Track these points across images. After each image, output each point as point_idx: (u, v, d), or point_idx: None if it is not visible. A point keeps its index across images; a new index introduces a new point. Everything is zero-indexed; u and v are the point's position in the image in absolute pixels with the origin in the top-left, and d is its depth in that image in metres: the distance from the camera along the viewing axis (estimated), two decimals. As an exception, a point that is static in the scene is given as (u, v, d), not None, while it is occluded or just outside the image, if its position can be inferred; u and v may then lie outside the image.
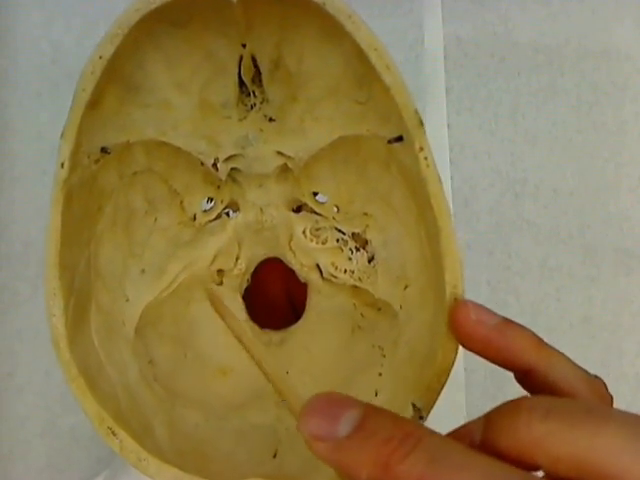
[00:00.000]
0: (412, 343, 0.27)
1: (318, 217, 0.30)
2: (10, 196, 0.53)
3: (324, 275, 0.31)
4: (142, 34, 0.24)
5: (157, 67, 0.26)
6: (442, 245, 0.23)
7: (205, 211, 0.31)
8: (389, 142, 0.26)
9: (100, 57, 0.23)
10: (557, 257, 0.62)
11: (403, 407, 0.24)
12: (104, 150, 0.26)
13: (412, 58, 0.62)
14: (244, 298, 0.32)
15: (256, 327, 0.32)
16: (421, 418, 0.23)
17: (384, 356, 0.29)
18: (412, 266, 0.28)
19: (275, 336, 0.32)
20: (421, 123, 0.24)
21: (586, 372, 0.20)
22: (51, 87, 0.54)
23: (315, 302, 0.31)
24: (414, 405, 0.23)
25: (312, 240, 0.30)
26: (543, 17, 0.64)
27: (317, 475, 0.24)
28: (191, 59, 0.26)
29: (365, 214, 0.30)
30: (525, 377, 0.21)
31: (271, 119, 0.28)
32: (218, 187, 0.30)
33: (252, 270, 0.31)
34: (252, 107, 0.28)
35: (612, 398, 0.21)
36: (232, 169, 0.29)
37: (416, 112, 0.24)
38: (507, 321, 0.21)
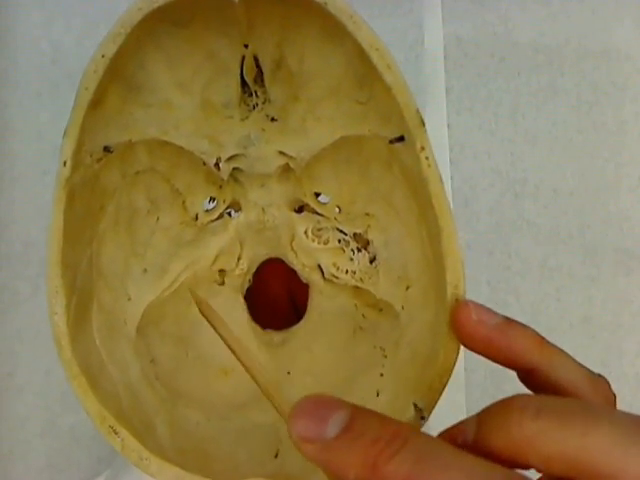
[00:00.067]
0: (414, 343, 0.27)
1: (320, 217, 0.30)
2: (10, 196, 0.53)
3: (325, 275, 0.31)
4: (144, 34, 0.24)
5: (159, 67, 0.26)
6: (443, 245, 0.23)
7: (207, 211, 0.31)
8: (390, 142, 0.26)
9: (103, 56, 0.23)
10: (557, 257, 0.62)
11: (405, 407, 0.24)
12: (107, 149, 0.26)
13: (412, 58, 0.63)
14: (246, 298, 0.32)
15: (258, 327, 0.32)
16: (423, 418, 0.23)
17: (385, 356, 0.29)
18: (413, 266, 0.28)
19: (276, 336, 0.32)
20: (422, 123, 0.24)
21: (589, 371, 0.20)
22: (51, 87, 0.54)
23: (317, 302, 0.31)
24: (416, 405, 0.23)
25: (314, 240, 0.30)
26: (543, 17, 0.64)
27: (318, 476, 0.24)
28: (193, 59, 0.26)
29: (367, 214, 0.30)
30: (528, 376, 0.21)
31: (273, 119, 0.28)
32: (220, 187, 0.30)
33: (254, 270, 0.31)
34: (254, 107, 0.28)
35: (615, 397, 0.21)
36: (234, 169, 0.29)
37: (417, 112, 0.24)
38: (509, 320, 0.21)
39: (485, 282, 0.61)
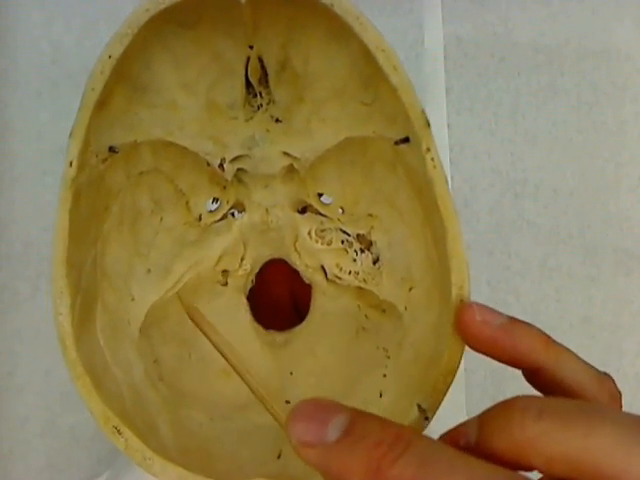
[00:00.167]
0: (417, 344, 0.27)
1: (323, 218, 0.30)
2: (10, 196, 0.53)
3: (329, 276, 0.31)
4: (150, 34, 0.24)
5: (164, 67, 0.26)
6: (449, 246, 0.23)
7: (211, 211, 0.31)
8: (396, 143, 0.26)
9: (109, 57, 0.23)
10: (557, 257, 0.62)
11: (408, 408, 0.24)
12: (112, 149, 0.26)
13: (412, 58, 0.63)
14: (248, 299, 0.32)
15: (260, 328, 0.32)
16: (426, 419, 0.23)
17: (389, 357, 0.29)
18: (417, 267, 0.28)
19: (279, 337, 0.32)
20: (428, 124, 0.24)
21: (595, 369, 0.21)
22: (51, 87, 0.54)
23: (319, 303, 0.31)
24: (419, 406, 0.23)
25: (317, 241, 0.30)
26: (543, 17, 0.64)
27: (321, 477, 0.24)
28: (198, 60, 0.26)
29: (370, 215, 0.30)
30: (534, 375, 0.21)
31: (277, 120, 0.28)
32: (224, 187, 0.30)
33: (257, 271, 0.31)
34: (259, 108, 0.28)
35: (621, 395, 0.21)
36: (238, 170, 0.29)
37: (423, 113, 0.24)
38: (513, 320, 0.21)
39: (485, 282, 0.61)
